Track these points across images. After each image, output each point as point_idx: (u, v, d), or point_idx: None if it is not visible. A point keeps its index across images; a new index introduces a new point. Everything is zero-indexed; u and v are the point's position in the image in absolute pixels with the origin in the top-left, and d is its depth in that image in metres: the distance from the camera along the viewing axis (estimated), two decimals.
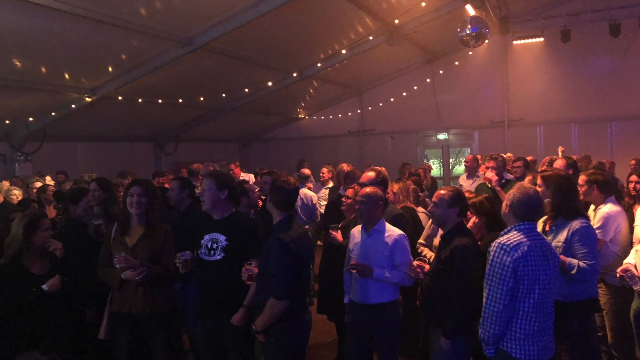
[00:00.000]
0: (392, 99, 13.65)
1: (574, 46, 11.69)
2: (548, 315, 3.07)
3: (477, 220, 4.02)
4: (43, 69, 7.77)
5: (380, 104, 13.94)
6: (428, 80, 13.36)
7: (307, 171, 8.47)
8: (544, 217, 3.81)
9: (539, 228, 3.65)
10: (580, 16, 11.65)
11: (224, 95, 10.96)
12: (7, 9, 5.98)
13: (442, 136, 14.11)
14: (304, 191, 7.12)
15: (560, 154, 7.70)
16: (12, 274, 3.69)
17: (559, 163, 5.98)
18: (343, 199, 4.95)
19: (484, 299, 3.05)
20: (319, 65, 11.11)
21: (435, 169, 13.81)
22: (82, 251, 4.25)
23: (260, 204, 5.62)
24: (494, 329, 3.00)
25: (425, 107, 13.51)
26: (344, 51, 10.56)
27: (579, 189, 4.36)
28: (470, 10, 9.36)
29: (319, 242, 7.23)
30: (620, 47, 11.40)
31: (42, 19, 6.35)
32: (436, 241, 4.30)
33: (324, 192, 8.22)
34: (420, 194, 6.20)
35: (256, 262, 3.52)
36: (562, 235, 3.60)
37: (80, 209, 4.55)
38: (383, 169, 4.85)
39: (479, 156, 8.78)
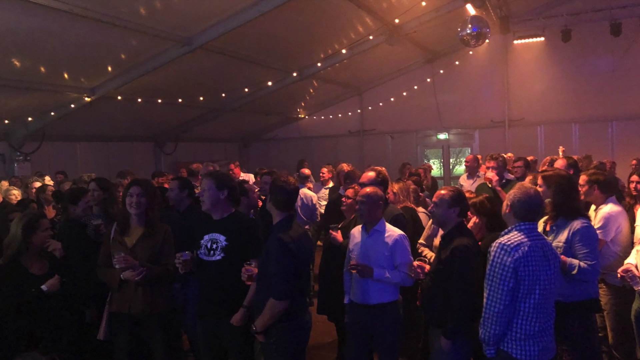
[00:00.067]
0: (392, 99, 13.63)
1: (574, 46, 11.68)
2: (549, 316, 3.07)
3: (477, 220, 4.01)
4: (42, 69, 7.76)
5: (381, 104, 13.92)
6: (428, 80, 13.34)
7: (307, 171, 8.46)
8: (545, 217, 3.80)
9: (540, 228, 3.64)
10: (581, 15, 11.64)
11: (223, 95, 10.94)
12: (6, 8, 5.98)
13: (442, 136, 14.09)
14: (304, 191, 7.11)
15: (561, 153, 7.68)
16: (11, 274, 3.68)
17: (560, 163, 5.96)
18: (343, 199, 4.94)
19: (485, 300, 3.04)
20: (319, 64, 11.09)
21: (436, 169, 13.79)
22: (82, 251, 4.24)
23: (260, 204, 5.60)
24: (495, 330, 2.99)
25: (426, 106, 13.48)
26: (344, 51, 10.55)
27: (580, 189, 4.34)
28: (470, 9, 9.35)
29: (319, 242, 7.22)
30: (621, 46, 11.39)
31: (41, 18, 6.35)
32: (436, 241, 4.29)
33: (324, 192, 8.20)
34: (420, 194, 6.19)
35: (256, 263, 3.51)
36: (563, 236, 3.59)
37: (79, 209, 4.54)
38: (383, 169, 4.83)
39: (479, 156, 8.77)
